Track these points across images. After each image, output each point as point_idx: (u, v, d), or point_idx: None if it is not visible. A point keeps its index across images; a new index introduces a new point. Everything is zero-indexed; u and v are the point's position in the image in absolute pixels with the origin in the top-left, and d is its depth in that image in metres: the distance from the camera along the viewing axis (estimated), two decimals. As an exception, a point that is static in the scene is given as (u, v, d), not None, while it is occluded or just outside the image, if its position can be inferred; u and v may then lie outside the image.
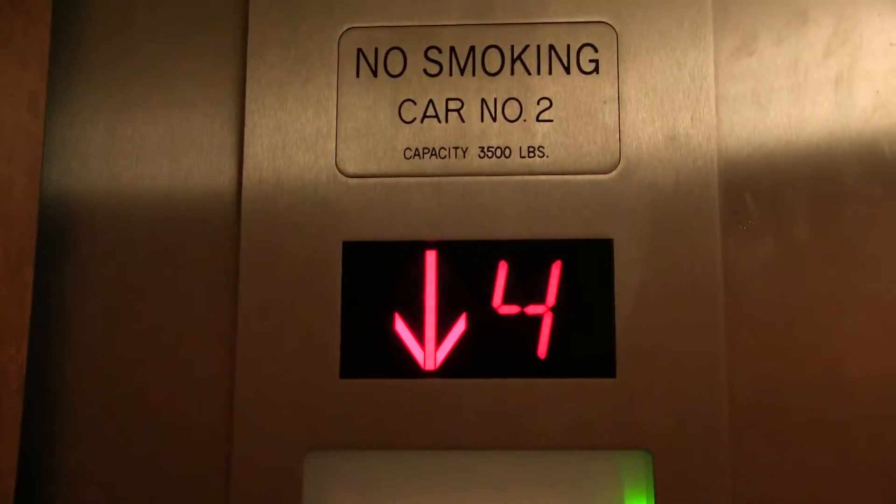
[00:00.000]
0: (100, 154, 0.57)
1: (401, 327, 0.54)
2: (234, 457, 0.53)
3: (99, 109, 0.58)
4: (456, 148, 0.55)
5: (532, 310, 0.54)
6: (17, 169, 0.54)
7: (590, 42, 0.56)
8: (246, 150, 0.56)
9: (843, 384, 0.53)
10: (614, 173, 0.55)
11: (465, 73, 0.56)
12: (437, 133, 0.56)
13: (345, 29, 0.57)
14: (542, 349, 0.53)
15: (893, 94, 0.56)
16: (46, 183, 0.57)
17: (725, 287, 0.54)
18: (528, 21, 0.56)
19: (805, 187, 0.55)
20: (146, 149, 0.57)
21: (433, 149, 0.55)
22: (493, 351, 0.54)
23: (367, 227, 0.55)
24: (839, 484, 0.53)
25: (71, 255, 0.56)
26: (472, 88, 0.56)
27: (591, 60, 0.56)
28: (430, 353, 0.54)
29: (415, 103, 0.56)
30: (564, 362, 0.53)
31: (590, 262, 0.54)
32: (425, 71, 0.56)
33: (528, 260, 0.54)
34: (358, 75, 0.56)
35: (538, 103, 0.56)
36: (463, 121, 0.56)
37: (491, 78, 0.56)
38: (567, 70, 0.56)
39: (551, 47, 0.56)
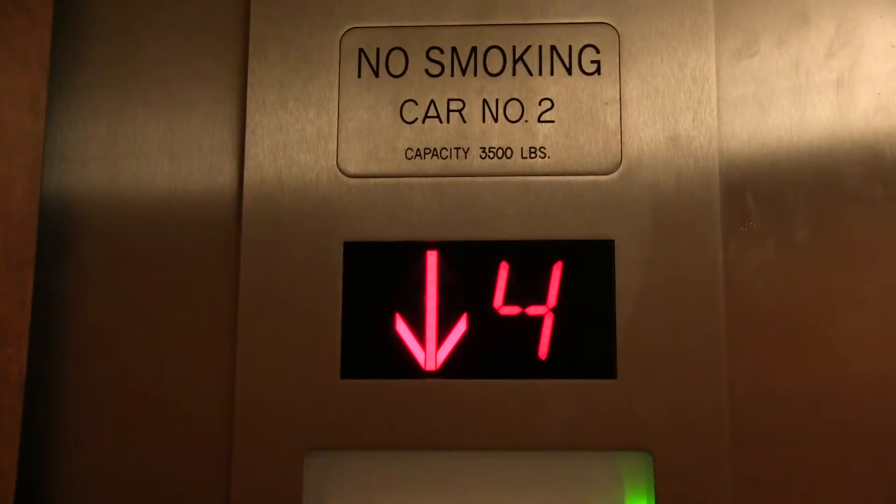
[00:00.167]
0: (100, 154, 0.57)
1: (402, 328, 0.54)
2: (235, 457, 0.53)
3: (100, 109, 0.58)
4: (457, 148, 0.55)
5: (533, 310, 0.54)
6: (18, 168, 0.54)
7: (591, 43, 0.56)
8: (247, 150, 0.56)
9: (843, 386, 0.53)
10: (615, 174, 0.55)
11: (466, 74, 0.56)
12: (438, 133, 0.56)
13: (346, 29, 0.57)
14: (543, 350, 0.53)
15: (895, 95, 0.56)
16: (47, 183, 0.57)
17: (726, 288, 0.54)
18: (529, 22, 0.56)
19: (806, 189, 0.55)
20: (147, 149, 0.57)
21: (434, 149, 0.55)
22: (493, 351, 0.53)
23: (369, 228, 0.55)
24: (839, 486, 0.53)
25: (71, 255, 0.56)
26: (473, 89, 0.56)
27: (592, 61, 0.56)
28: (430, 353, 0.54)
29: (416, 103, 0.56)
30: (565, 363, 0.53)
31: (591, 263, 0.54)
32: (427, 71, 0.56)
33: (529, 261, 0.54)
34: (359, 75, 0.56)
35: (540, 104, 0.55)
36: (464, 121, 0.56)
37: (492, 78, 0.56)
38: (569, 71, 0.56)
39: (553, 48, 0.56)
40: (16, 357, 0.52)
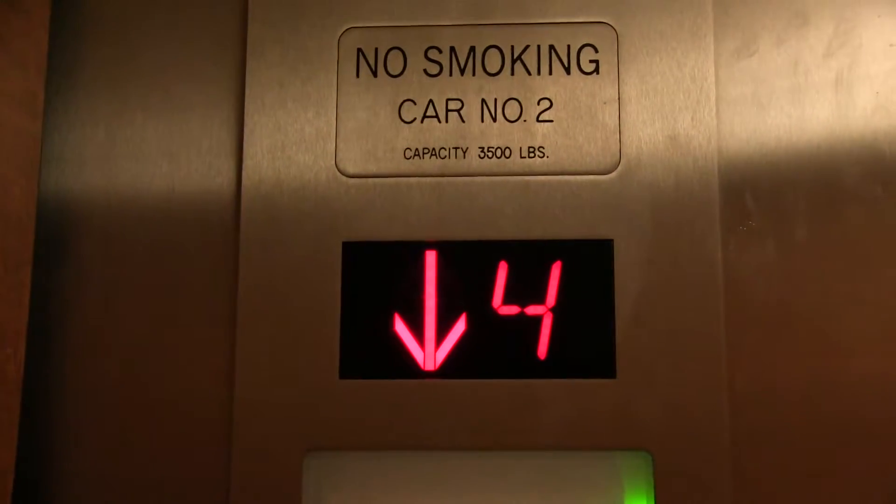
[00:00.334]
0: (99, 155, 0.57)
1: (400, 328, 0.54)
2: (234, 457, 0.53)
3: (98, 111, 0.58)
4: (456, 148, 0.55)
5: (532, 310, 0.54)
6: (15, 169, 0.53)
7: (590, 42, 0.56)
8: (245, 151, 0.56)
9: (843, 384, 0.53)
10: (614, 174, 0.55)
11: (465, 74, 0.56)
12: (437, 133, 0.55)
13: (345, 29, 0.57)
14: (542, 350, 0.53)
15: (893, 94, 0.56)
16: (45, 184, 0.57)
17: (726, 287, 0.54)
18: (528, 21, 0.56)
19: (805, 188, 0.55)
20: (145, 150, 0.57)
21: (433, 149, 0.55)
22: (492, 351, 0.53)
23: (367, 228, 0.55)
24: (839, 484, 0.52)
25: (69, 256, 0.56)
26: (472, 88, 0.56)
27: (591, 61, 0.56)
28: (429, 353, 0.54)
29: (415, 103, 0.56)
30: (564, 363, 0.53)
31: (590, 262, 0.54)
32: (425, 71, 0.56)
33: (528, 260, 0.54)
34: (358, 75, 0.56)
35: (538, 104, 0.55)
36: (463, 121, 0.55)
37: (491, 78, 0.56)
38: (567, 70, 0.56)
39: (551, 48, 0.56)
40: (13, 357, 0.52)
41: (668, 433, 0.52)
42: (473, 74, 0.56)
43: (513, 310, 0.54)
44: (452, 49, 0.56)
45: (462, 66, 0.56)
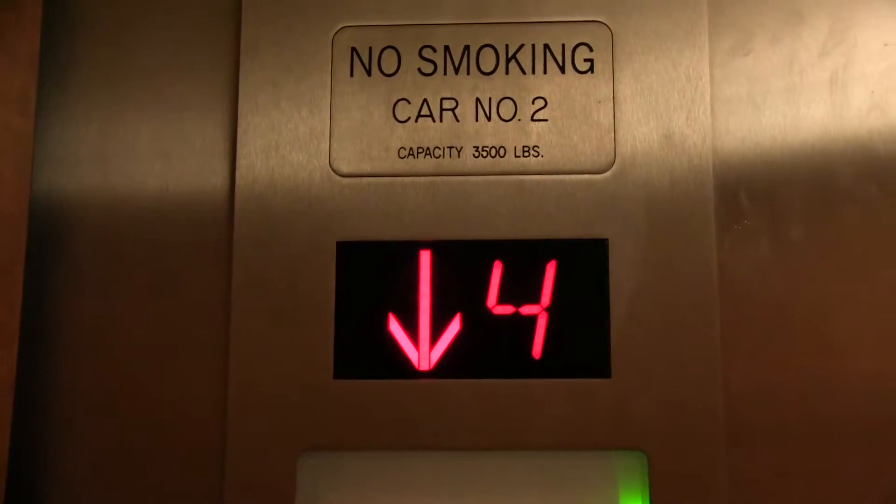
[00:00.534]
0: (92, 154, 0.57)
1: (395, 327, 0.54)
2: (228, 458, 0.53)
3: (91, 110, 0.57)
4: (450, 147, 0.55)
5: (527, 310, 0.54)
6: (7, 168, 0.53)
7: (585, 41, 0.56)
8: (239, 150, 0.55)
9: (838, 384, 0.53)
10: (609, 173, 0.55)
11: (459, 73, 0.56)
12: (431, 132, 0.55)
13: (339, 28, 0.56)
14: (537, 349, 0.53)
15: (888, 94, 0.56)
16: (38, 183, 0.57)
17: (721, 287, 0.54)
18: (523, 20, 0.56)
19: (800, 187, 0.55)
20: (138, 149, 0.57)
21: (427, 148, 0.55)
22: (487, 351, 0.53)
23: (361, 227, 0.54)
24: (835, 484, 0.52)
25: (63, 256, 0.56)
26: (466, 88, 0.56)
27: (586, 60, 0.56)
28: (424, 353, 0.53)
29: (409, 102, 0.56)
30: (559, 362, 0.53)
31: (585, 261, 0.54)
32: (420, 70, 0.56)
33: (523, 260, 0.54)
34: (352, 74, 0.56)
35: (533, 103, 0.55)
36: (457, 120, 0.55)
37: (486, 77, 0.56)
38: (562, 69, 0.56)
39: (546, 47, 0.56)
40: (6, 358, 0.52)
41: (664, 433, 0.52)
42: (468, 73, 0.56)
43: (507, 309, 0.54)
44: (447, 48, 0.56)
45: (456, 65, 0.56)
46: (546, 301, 0.54)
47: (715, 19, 0.56)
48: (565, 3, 0.56)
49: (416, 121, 0.55)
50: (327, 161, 0.55)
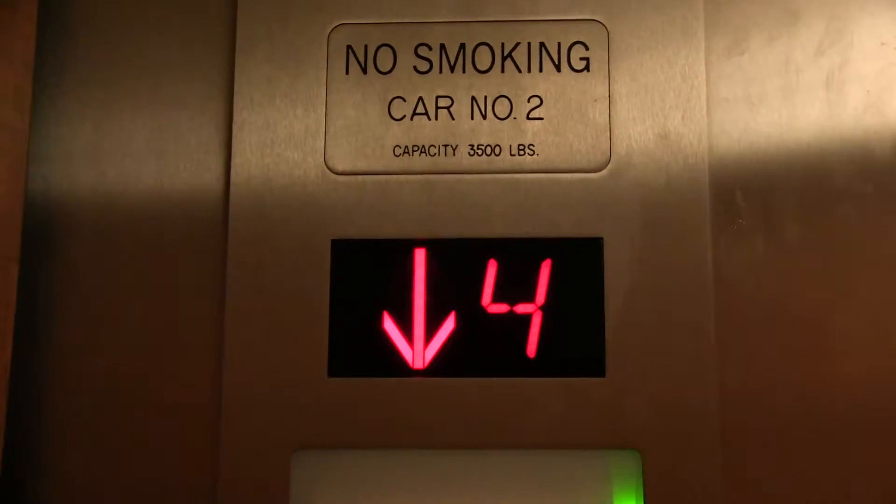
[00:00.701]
0: (86, 152, 0.57)
1: (389, 326, 0.54)
2: (221, 455, 0.53)
3: (86, 107, 0.57)
4: (446, 145, 0.55)
5: (521, 308, 0.53)
6: (2, 165, 0.53)
7: (581, 40, 0.56)
8: (234, 148, 0.55)
9: (833, 383, 0.53)
10: (604, 172, 0.55)
11: (455, 71, 0.56)
12: (426, 130, 0.55)
13: (334, 25, 0.56)
14: (532, 348, 0.53)
15: (884, 93, 0.56)
16: (33, 180, 0.56)
17: (716, 286, 0.53)
18: (518, 18, 0.56)
19: (796, 186, 0.55)
20: (133, 146, 0.57)
21: (423, 146, 0.55)
22: (482, 350, 0.53)
23: (356, 225, 0.54)
24: (830, 484, 0.52)
25: (57, 254, 0.56)
26: (462, 86, 0.56)
27: (581, 58, 0.56)
28: (418, 351, 0.53)
29: (404, 100, 0.56)
30: (554, 361, 0.53)
31: (580, 260, 0.54)
32: (415, 68, 0.56)
33: (518, 258, 0.54)
34: (347, 72, 0.56)
35: (528, 101, 0.55)
36: (453, 118, 0.55)
37: (481, 75, 0.56)
38: (558, 68, 0.56)
39: (542, 45, 0.56)
40: (0, 356, 0.52)
41: (658, 432, 0.52)
42: (463, 72, 0.56)
43: (502, 308, 0.54)
44: (442, 46, 0.56)
45: (452, 63, 0.56)
46: (541, 300, 0.54)
47: (711, 18, 0.56)
48: (561, 2, 0.56)
49: (412, 119, 0.55)
50: (322, 159, 0.55)
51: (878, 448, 0.53)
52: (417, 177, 0.55)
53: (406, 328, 0.54)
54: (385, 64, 0.56)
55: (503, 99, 0.55)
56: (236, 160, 0.55)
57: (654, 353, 0.53)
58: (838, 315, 0.54)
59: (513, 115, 0.55)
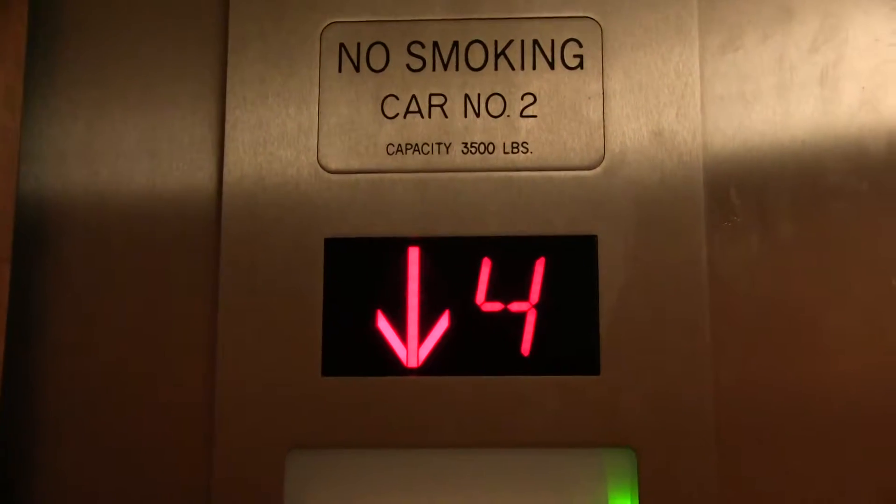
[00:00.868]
0: (79, 151, 0.57)
1: (383, 324, 0.54)
2: (215, 455, 0.52)
3: (78, 106, 0.57)
4: (439, 143, 0.55)
5: (516, 307, 0.53)
6: (-6, 164, 0.53)
7: (574, 37, 0.56)
8: (227, 146, 0.55)
9: (828, 381, 0.53)
10: (598, 169, 0.54)
11: (448, 69, 0.56)
12: (419, 129, 0.55)
13: (327, 24, 0.56)
14: (526, 346, 0.53)
15: (879, 90, 0.55)
16: (24, 180, 0.56)
17: (710, 283, 0.53)
18: (512, 16, 0.56)
19: (790, 183, 0.55)
20: (126, 145, 0.57)
21: (416, 144, 0.55)
22: (476, 348, 0.53)
23: (350, 224, 0.54)
24: (825, 481, 0.52)
25: (49, 253, 0.56)
26: (455, 84, 0.55)
27: (575, 56, 0.56)
28: (412, 350, 0.53)
29: (397, 98, 0.55)
30: (548, 359, 0.53)
31: (574, 258, 0.54)
32: (408, 66, 0.56)
33: (512, 256, 0.54)
34: (340, 70, 0.56)
35: (522, 99, 0.55)
36: (446, 116, 0.55)
37: (474, 73, 0.55)
38: (551, 65, 0.56)
39: (535, 42, 0.56)
40: (-8, 355, 0.52)
41: (653, 430, 0.52)
42: (457, 69, 0.56)
43: (496, 306, 0.53)
44: (435, 44, 0.56)
45: (445, 61, 0.56)
46: (535, 298, 0.53)
47: (705, 15, 0.56)
48: (555, -1, 0.56)
49: (405, 117, 0.55)
50: (315, 157, 0.55)
51: (872, 445, 0.52)
52: (411, 175, 0.55)
53: (400, 327, 0.53)
54: (378, 62, 0.56)
55: (497, 97, 0.55)
56: (229, 159, 0.55)
57: (649, 351, 0.52)
58: (833, 312, 0.54)
59: (506, 113, 0.55)
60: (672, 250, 0.53)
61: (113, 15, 0.58)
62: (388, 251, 0.54)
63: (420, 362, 0.53)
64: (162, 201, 0.56)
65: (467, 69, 0.56)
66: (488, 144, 0.55)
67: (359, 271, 0.54)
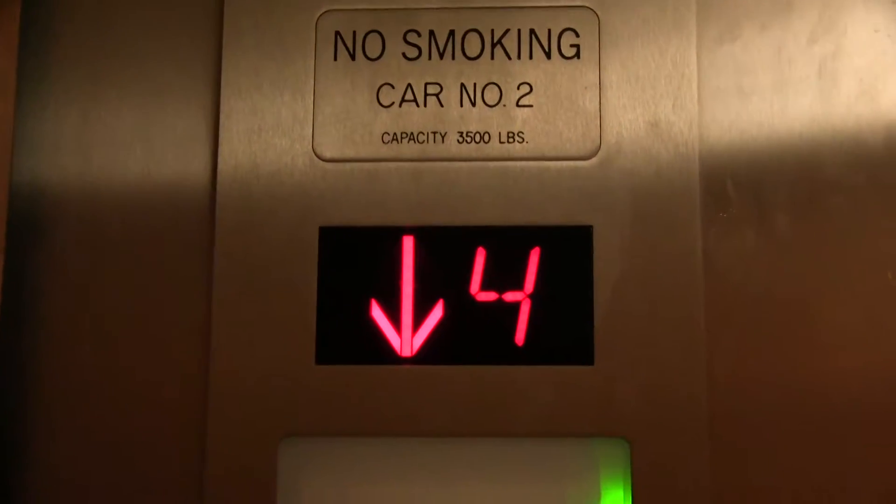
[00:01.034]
0: (73, 139, 0.57)
1: (377, 313, 0.53)
2: (209, 444, 0.52)
3: (72, 94, 0.57)
4: (434, 133, 0.55)
5: (510, 296, 0.53)
6: (-13, 151, 0.53)
7: (571, 27, 0.56)
8: (221, 135, 0.55)
9: (824, 374, 0.53)
10: (594, 160, 0.54)
11: (444, 58, 0.55)
12: (415, 118, 0.55)
13: (322, 11, 0.56)
14: (520, 336, 0.53)
15: (877, 81, 0.55)
16: (18, 169, 0.56)
17: (706, 275, 0.53)
18: (508, 5, 0.56)
19: (787, 175, 0.55)
20: (120, 134, 0.56)
21: (411, 133, 0.55)
22: (470, 337, 0.53)
23: (344, 213, 0.54)
24: (819, 475, 0.52)
25: (43, 242, 0.56)
26: (451, 73, 0.55)
27: (572, 45, 0.55)
28: (406, 339, 0.53)
29: (393, 87, 0.55)
30: (542, 349, 0.53)
31: (569, 248, 0.53)
32: (404, 55, 0.56)
33: (507, 246, 0.54)
34: (335, 59, 0.56)
35: (518, 88, 0.55)
36: (442, 105, 0.55)
37: (470, 62, 0.55)
38: (548, 55, 0.55)
39: (532, 32, 0.56)
40: (-16, 343, 0.52)
41: (646, 421, 0.52)
42: (453, 58, 0.55)
43: (490, 296, 0.53)
44: (431, 32, 0.56)
45: (441, 49, 0.56)
46: (529, 288, 0.53)
47: (703, 6, 0.56)
48: (551, -11, 0.56)
49: (400, 106, 0.55)
50: (310, 146, 0.55)
51: (866, 440, 0.52)
52: (406, 164, 0.54)
53: (394, 316, 0.53)
54: (373, 50, 0.56)
55: (492, 86, 0.55)
56: (223, 147, 0.55)
57: (644, 343, 0.52)
58: (828, 306, 0.53)
59: (502, 103, 0.55)
60: (667, 242, 0.53)
61: (108, 3, 0.58)
62: (383, 240, 0.54)
63: (414, 351, 0.53)
64: (156, 191, 0.56)
65: (463, 58, 0.55)
66: (484, 134, 0.55)
67: (353, 260, 0.54)
